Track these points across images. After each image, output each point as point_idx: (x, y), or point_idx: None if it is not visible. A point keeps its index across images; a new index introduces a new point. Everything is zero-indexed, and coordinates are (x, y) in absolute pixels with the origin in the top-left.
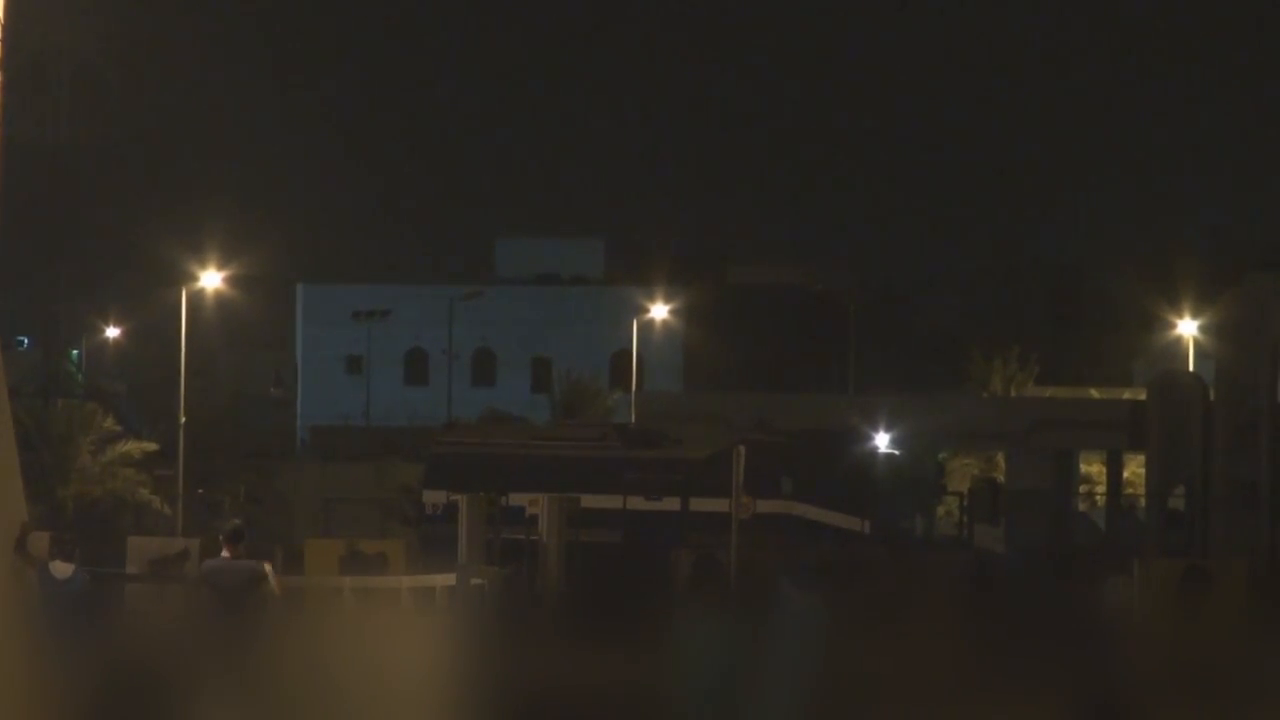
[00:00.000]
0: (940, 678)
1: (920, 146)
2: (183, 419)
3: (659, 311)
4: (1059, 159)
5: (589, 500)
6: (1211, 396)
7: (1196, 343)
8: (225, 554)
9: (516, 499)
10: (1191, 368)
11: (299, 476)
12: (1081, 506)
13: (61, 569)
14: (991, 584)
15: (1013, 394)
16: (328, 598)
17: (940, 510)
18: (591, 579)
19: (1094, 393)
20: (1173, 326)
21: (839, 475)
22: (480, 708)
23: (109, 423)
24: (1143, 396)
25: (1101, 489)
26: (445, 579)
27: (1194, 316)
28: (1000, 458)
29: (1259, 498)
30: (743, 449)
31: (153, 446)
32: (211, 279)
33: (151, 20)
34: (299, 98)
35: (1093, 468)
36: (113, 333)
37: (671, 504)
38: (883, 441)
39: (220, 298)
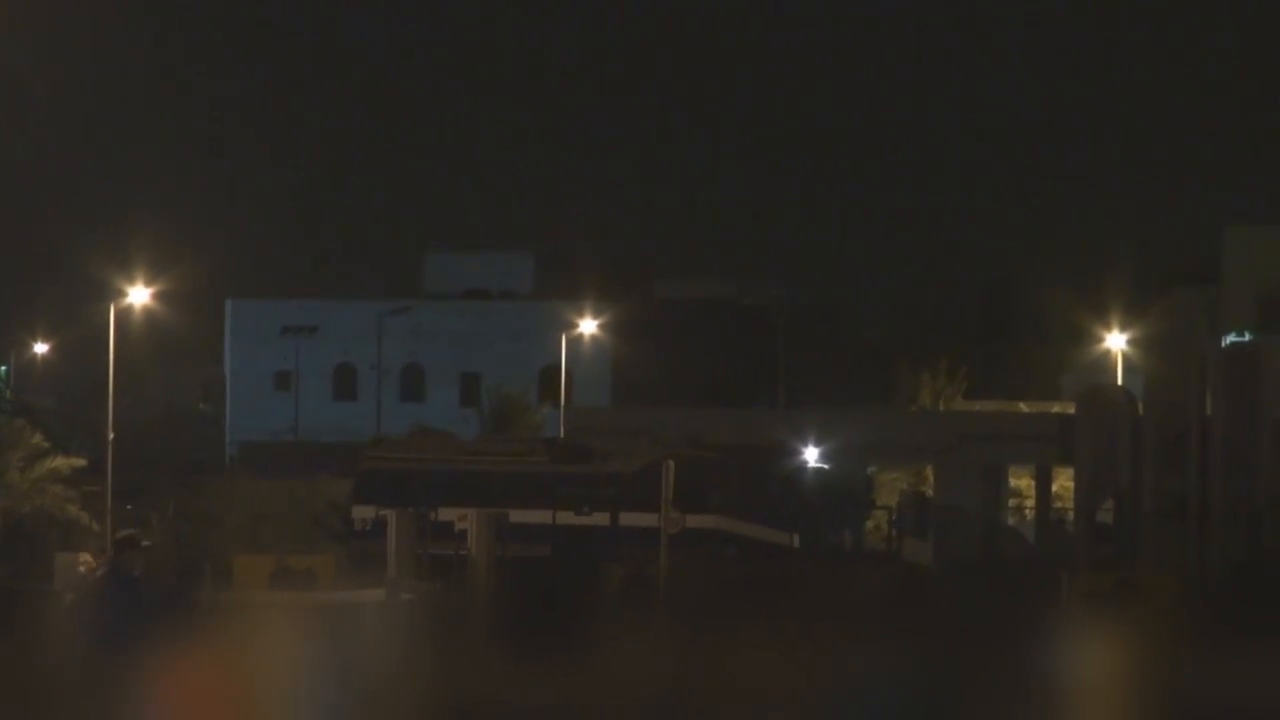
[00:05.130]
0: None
1: (849, 160)
2: (111, 435)
3: (588, 326)
4: (989, 173)
5: (518, 515)
6: (1140, 410)
7: (1125, 356)
8: None
9: (445, 514)
10: (1120, 381)
11: (228, 492)
12: (1011, 520)
13: None
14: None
15: (941, 408)
16: (255, 613)
17: (869, 524)
18: (520, 593)
19: (1023, 406)
20: (1101, 340)
21: (768, 490)
22: None
23: (37, 438)
24: (1071, 410)
25: (1030, 503)
26: (374, 594)
27: (1122, 330)
28: (929, 471)
29: (1187, 511)
30: (671, 464)
31: (81, 462)
32: (140, 294)
33: (80, 35)
34: (226, 113)
35: (1022, 481)
36: (41, 348)
37: (601, 518)
38: (812, 456)
39: (149, 313)
